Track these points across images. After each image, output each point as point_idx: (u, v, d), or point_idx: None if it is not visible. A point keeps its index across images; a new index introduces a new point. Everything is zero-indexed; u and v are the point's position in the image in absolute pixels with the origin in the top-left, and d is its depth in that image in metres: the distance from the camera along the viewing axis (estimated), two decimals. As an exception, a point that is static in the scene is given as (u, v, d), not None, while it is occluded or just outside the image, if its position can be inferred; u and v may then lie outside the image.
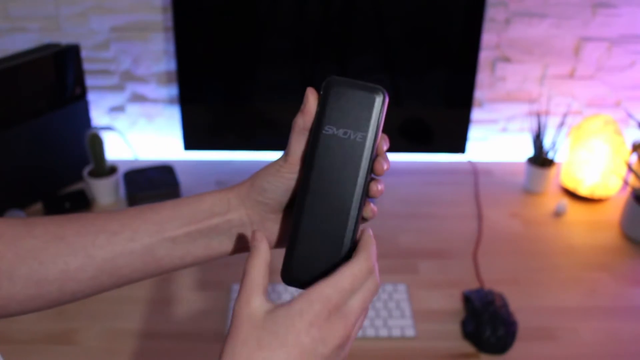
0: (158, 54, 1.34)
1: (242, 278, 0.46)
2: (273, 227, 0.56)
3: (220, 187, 1.30)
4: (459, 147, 1.26)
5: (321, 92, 0.49)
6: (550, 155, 1.30)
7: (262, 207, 0.55)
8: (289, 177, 0.53)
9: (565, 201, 1.26)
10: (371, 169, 0.48)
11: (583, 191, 1.28)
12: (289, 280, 0.50)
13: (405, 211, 1.23)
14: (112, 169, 1.25)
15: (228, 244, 0.56)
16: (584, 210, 1.27)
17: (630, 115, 1.30)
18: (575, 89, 1.39)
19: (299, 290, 1.01)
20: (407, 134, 1.25)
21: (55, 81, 1.20)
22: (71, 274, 0.52)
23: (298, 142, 0.52)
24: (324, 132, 0.48)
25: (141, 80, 1.37)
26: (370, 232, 0.49)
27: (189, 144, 1.24)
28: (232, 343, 0.43)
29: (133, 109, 1.40)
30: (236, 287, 1.01)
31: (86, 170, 1.23)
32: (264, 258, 0.47)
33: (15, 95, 1.15)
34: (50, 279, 0.51)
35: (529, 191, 1.31)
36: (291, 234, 0.49)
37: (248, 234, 0.56)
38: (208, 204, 0.55)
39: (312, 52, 1.19)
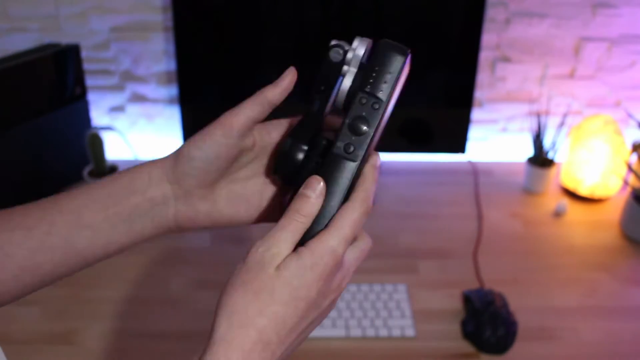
0: (158, 54, 1.33)
1: (278, 223, 0.44)
2: (200, 204, 0.52)
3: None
4: (459, 147, 1.26)
5: (378, 54, 0.47)
6: (550, 155, 1.30)
7: (188, 180, 0.50)
8: (222, 143, 0.49)
9: (565, 201, 1.26)
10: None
11: (583, 191, 1.28)
12: None
13: (405, 211, 1.23)
14: (112, 169, 1.25)
15: (151, 228, 0.51)
16: (584, 210, 1.27)
17: (630, 115, 1.30)
18: (575, 89, 1.39)
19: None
20: (407, 134, 1.25)
21: (55, 81, 1.20)
22: None
23: (250, 110, 0.50)
24: (390, 109, 0.46)
25: (141, 80, 1.37)
26: (374, 163, 0.47)
27: (189, 144, 1.24)
28: (243, 290, 0.42)
29: (133, 109, 1.40)
30: (236, 287, 1.01)
31: (86, 170, 1.23)
32: (310, 215, 0.44)
33: (15, 95, 1.15)
34: None
35: (529, 191, 1.31)
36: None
37: (170, 211, 0.51)
38: (126, 180, 0.50)
39: (312, 52, 1.19)
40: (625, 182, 1.26)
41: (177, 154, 0.51)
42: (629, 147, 1.28)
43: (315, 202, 0.44)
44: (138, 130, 1.42)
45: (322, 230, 0.44)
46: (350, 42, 0.49)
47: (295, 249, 0.43)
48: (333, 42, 0.48)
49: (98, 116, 1.40)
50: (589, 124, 1.27)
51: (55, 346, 0.92)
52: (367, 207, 0.45)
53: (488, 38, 1.32)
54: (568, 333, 0.96)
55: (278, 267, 0.42)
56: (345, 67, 0.48)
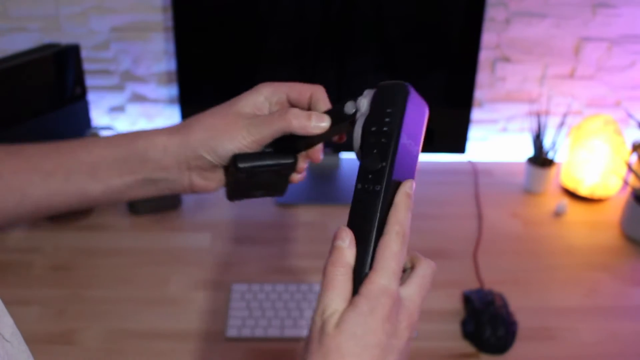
0: (158, 54, 1.33)
1: (322, 284, 0.44)
2: (212, 175, 0.56)
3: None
4: (459, 147, 1.26)
5: (395, 97, 0.48)
6: (550, 155, 1.30)
7: (204, 161, 0.54)
8: (246, 150, 0.53)
9: (565, 201, 1.26)
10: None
11: (583, 191, 1.28)
12: None
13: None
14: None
15: (166, 189, 0.57)
16: (584, 210, 1.27)
17: (630, 115, 1.30)
18: (575, 89, 1.39)
19: (306, 285, 1.01)
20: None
21: (55, 81, 1.20)
22: (10, 210, 0.53)
23: (275, 133, 0.53)
24: (402, 141, 0.47)
25: (141, 80, 1.37)
26: (407, 188, 0.46)
27: (189, 144, 1.24)
28: (312, 358, 0.41)
29: (133, 109, 1.40)
30: (236, 286, 1.01)
31: (86, 170, 1.23)
32: (348, 265, 0.44)
33: (15, 95, 1.14)
34: None
35: (529, 191, 1.31)
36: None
37: (185, 180, 0.56)
38: (141, 149, 0.54)
39: (312, 53, 1.19)
40: (625, 182, 1.26)
41: (205, 140, 0.53)
42: (629, 147, 1.28)
43: (349, 250, 0.44)
44: (138, 130, 1.42)
45: (368, 272, 0.43)
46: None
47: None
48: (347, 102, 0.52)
49: (98, 116, 1.40)
50: (589, 124, 1.27)
51: (55, 346, 0.92)
52: (404, 237, 0.44)
53: (488, 38, 1.32)
54: (568, 333, 0.96)
55: (337, 325, 0.41)
56: (357, 118, 0.50)
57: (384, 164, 0.45)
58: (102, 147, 0.54)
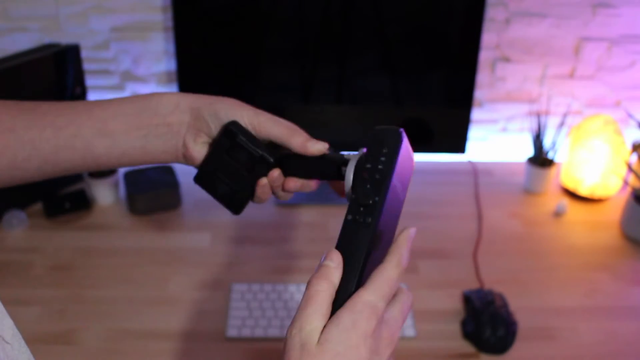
0: (158, 54, 1.34)
1: (302, 299, 0.43)
2: (199, 141, 0.58)
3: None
4: (459, 147, 1.26)
5: (386, 140, 0.50)
6: (550, 155, 1.30)
7: (206, 128, 0.56)
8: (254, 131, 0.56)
9: (565, 201, 1.26)
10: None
11: (583, 191, 1.28)
12: None
13: (405, 211, 1.23)
14: (112, 169, 1.25)
15: (161, 150, 0.57)
16: (584, 210, 1.27)
17: (630, 115, 1.30)
18: (575, 89, 1.39)
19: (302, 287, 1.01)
20: (407, 133, 1.24)
21: (55, 81, 1.20)
22: (18, 164, 0.55)
23: (276, 134, 0.56)
24: (393, 182, 0.48)
25: (141, 80, 1.37)
26: (410, 233, 0.47)
27: (189, 144, 1.24)
28: None
29: (133, 109, 1.40)
30: (236, 286, 1.01)
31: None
32: (333, 284, 0.43)
33: (15, 95, 1.14)
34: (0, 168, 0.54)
35: (529, 191, 1.31)
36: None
37: (179, 141, 0.57)
38: (154, 102, 0.56)
39: (313, 52, 1.19)
40: (625, 182, 1.26)
41: (217, 110, 0.56)
42: (629, 147, 1.28)
43: (336, 270, 0.44)
44: (138, 130, 1.42)
45: (355, 290, 0.43)
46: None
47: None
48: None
49: (98, 116, 1.40)
50: (589, 124, 1.27)
51: (55, 346, 0.92)
52: (401, 270, 0.45)
53: (488, 38, 1.32)
54: (568, 333, 0.96)
55: (319, 342, 0.40)
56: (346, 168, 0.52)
57: (376, 198, 0.47)
58: (116, 104, 0.56)
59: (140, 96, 0.57)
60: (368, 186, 0.47)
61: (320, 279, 0.43)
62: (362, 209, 0.47)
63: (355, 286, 0.44)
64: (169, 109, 0.56)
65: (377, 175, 0.48)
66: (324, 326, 0.41)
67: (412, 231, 0.48)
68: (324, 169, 0.56)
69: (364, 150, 0.51)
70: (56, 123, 0.55)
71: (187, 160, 0.59)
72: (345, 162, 0.53)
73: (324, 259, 0.45)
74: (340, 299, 0.43)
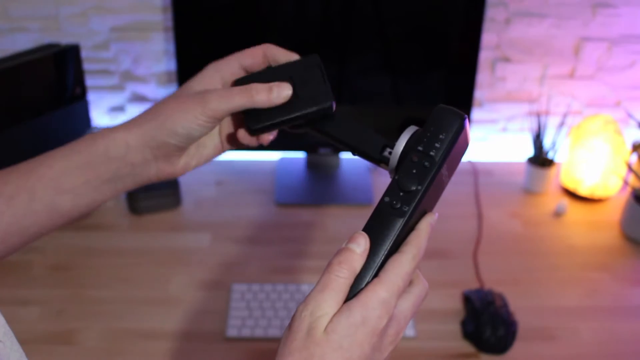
0: (158, 54, 1.33)
1: (320, 280, 0.42)
2: (178, 160, 0.56)
3: (220, 187, 1.30)
4: (459, 147, 1.26)
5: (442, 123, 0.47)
6: (550, 155, 1.30)
7: (169, 148, 0.54)
8: (205, 126, 0.53)
9: (565, 201, 1.26)
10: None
11: (583, 191, 1.28)
12: None
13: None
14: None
15: (132, 184, 0.55)
16: (584, 210, 1.27)
17: (630, 115, 1.30)
18: (575, 89, 1.39)
19: (306, 286, 1.01)
20: (407, 134, 1.24)
21: (55, 81, 1.20)
22: None
23: (238, 101, 0.52)
24: (442, 171, 0.47)
25: (141, 80, 1.37)
26: (431, 220, 0.46)
27: (189, 144, 1.24)
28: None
29: (133, 109, 1.40)
30: (236, 286, 1.01)
31: (86, 170, 1.23)
32: (354, 271, 0.42)
33: (15, 95, 1.14)
34: None
35: (529, 191, 1.31)
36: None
37: (152, 170, 0.55)
38: (102, 148, 0.53)
39: (312, 52, 1.19)
40: (625, 182, 1.26)
41: (161, 125, 0.52)
42: (629, 147, 1.28)
43: (360, 257, 0.43)
44: (138, 130, 1.42)
45: (371, 281, 0.42)
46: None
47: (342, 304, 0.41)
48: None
49: (98, 116, 1.40)
50: (589, 124, 1.27)
51: (55, 346, 0.92)
52: (418, 262, 0.44)
53: (488, 38, 1.32)
54: (568, 333, 0.96)
55: (326, 330, 0.40)
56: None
57: (419, 187, 0.45)
58: (61, 158, 0.53)
59: (83, 142, 0.53)
60: (414, 171, 0.45)
61: (342, 264, 0.42)
62: (401, 193, 0.45)
63: (373, 276, 0.43)
64: (121, 152, 0.52)
65: (427, 162, 0.45)
66: (334, 314, 0.41)
67: (433, 218, 0.46)
68: (363, 143, 0.53)
69: (415, 127, 0.49)
70: (5, 192, 0.51)
71: (161, 178, 0.57)
72: (386, 143, 0.51)
73: (350, 242, 0.43)
74: (355, 287, 0.43)
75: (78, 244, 1.12)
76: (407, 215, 0.44)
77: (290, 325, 0.41)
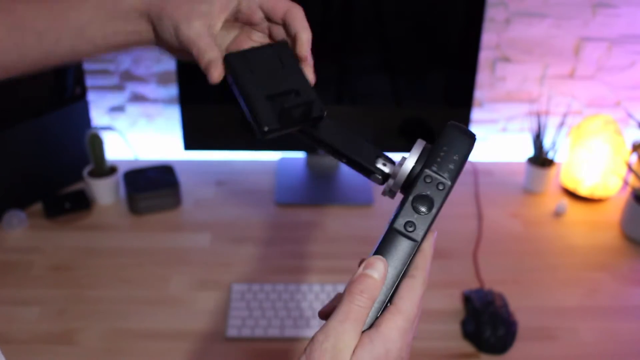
0: (158, 54, 1.33)
1: (339, 308, 0.42)
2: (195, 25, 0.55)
3: (220, 187, 1.30)
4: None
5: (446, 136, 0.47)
6: (550, 155, 1.30)
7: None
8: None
9: (565, 201, 1.26)
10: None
11: (583, 191, 1.28)
12: None
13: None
14: (112, 169, 1.25)
15: (148, 41, 0.56)
16: (584, 210, 1.27)
17: (630, 115, 1.30)
18: (575, 89, 1.39)
19: (308, 288, 1.00)
20: (407, 134, 1.25)
21: (55, 81, 1.20)
22: (8, 66, 0.55)
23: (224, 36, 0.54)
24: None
25: (141, 80, 1.37)
26: (433, 239, 0.46)
27: (189, 144, 1.24)
28: None
29: (133, 109, 1.40)
30: (236, 286, 1.01)
31: (86, 170, 1.23)
32: (374, 299, 0.42)
33: (15, 95, 1.14)
34: None
35: (529, 191, 1.31)
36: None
37: (172, 31, 0.54)
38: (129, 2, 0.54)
39: (312, 52, 1.19)
40: (625, 182, 1.26)
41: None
42: (629, 147, 1.28)
43: (379, 284, 0.43)
44: (138, 130, 1.42)
45: (388, 308, 0.43)
46: None
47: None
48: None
49: (98, 116, 1.40)
50: (589, 124, 1.27)
51: (55, 346, 0.92)
52: (425, 285, 0.45)
53: (488, 38, 1.32)
54: (568, 333, 0.96)
55: None
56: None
57: (434, 209, 0.45)
58: (90, 9, 0.55)
59: None
60: (429, 193, 0.45)
61: (363, 293, 0.42)
62: (416, 215, 0.45)
63: (389, 300, 0.43)
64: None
65: (441, 185, 0.45)
66: (356, 347, 0.41)
67: (434, 237, 0.46)
68: (355, 151, 0.51)
69: (424, 142, 0.48)
70: (36, 28, 0.54)
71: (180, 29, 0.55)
72: (380, 157, 0.49)
73: (367, 268, 0.43)
74: (373, 312, 0.43)
75: (78, 244, 1.12)
76: (421, 239, 0.45)
77: (307, 354, 0.41)
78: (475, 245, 1.15)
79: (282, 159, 1.38)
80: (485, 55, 1.34)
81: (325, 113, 0.51)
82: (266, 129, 0.49)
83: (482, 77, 1.37)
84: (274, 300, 0.99)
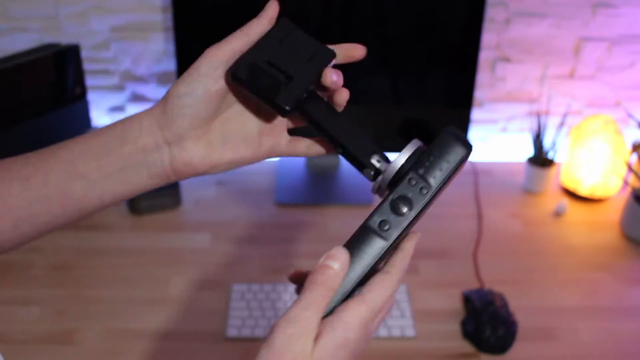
0: (158, 54, 1.33)
1: (302, 294, 0.43)
2: (194, 147, 0.50)
3: (220, 187, 1.30)
4: (459, 147, 1.26)
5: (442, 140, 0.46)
6: (550, 155, 1.30)
7: (178, 121, 0.49)
8: (208, 75, 0.48)
9: (565, 201, 1.26)
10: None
11: (583, 191, 1.28)
12: None
13: (405, 211, 1.23)
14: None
15: (147, 177, 0.51)
16: (584, 210, 1.27)
17: (630, 115, 1.30)
18: (575, 89, 1.39)
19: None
20: (407, 134, 1.25)
21: (55, 81, 1.20)
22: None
23: (235, 42, 0.49)
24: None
25: (141, 80, 1.37)
26: (415, 240, 0.46)
27: (189, 144, 1.24)
28: None
29: (133, 109, 1.40)
30: (236, 286, 1.01)
31: (86, 170, 1.23)
32: (332, 290, 0.43)
33: (15, 95, 1.15)
34: None
35: (529, 191, 1.31)
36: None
37: (165, 157, 0.50)
38: (118, 131, 0.50)
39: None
40: (625, 182, 1.26)
41: (166, 96, 0.49)
42: (629, 147, 1.28)
43: (338, 274, 0.43)
44: (138, 130, 1.42)
45: (353, 298, 0.43)
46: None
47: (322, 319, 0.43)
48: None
49: (98, 116, 1.40)
50: (589, 124, 1.27)
51: (55, 346, 0.92)
52: (400, 284, 0.45)
53: (488, 38, 1.32)
54: (568, 333, 0.96)
55: (313, 356, 0.41)
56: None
57: (411, 212, 0.45)
58: (80, 142, 0.51)
59: (104, 128, 0.52)
60: (410, 195, 0.45)
61: (323, 283, 0.43)
62: (392, 215, 0.45)
63: (349, 293, 0.44)
64: (134, 134, 0.50)
65: (424, 189, 0.45)
66: (318, 334, 0.42)
67: (417, 239, 0.47)
68: (353, 142, 0.50)
69: (419, 143, 0.47)
70: (23, 174, 0.49)
71: (179, 173, 0.51)
72: (376, 151, 0.49)
73: (328, 259, 0.44)
74: (336, 301, 0.43)
75: (78, 244, 1.12)
76: (393, 240, 0.44)
77: (269, 341, 0.43)
78: (475, 245, 1.15)
79: (282, 159, 1.38)
80: (485, 55, 1.34)
81: (288, 112, 0.49)
82: (233, 69, 0.48)
83: (482, 77, 1.37)
84: (274, 300, 0.99)
